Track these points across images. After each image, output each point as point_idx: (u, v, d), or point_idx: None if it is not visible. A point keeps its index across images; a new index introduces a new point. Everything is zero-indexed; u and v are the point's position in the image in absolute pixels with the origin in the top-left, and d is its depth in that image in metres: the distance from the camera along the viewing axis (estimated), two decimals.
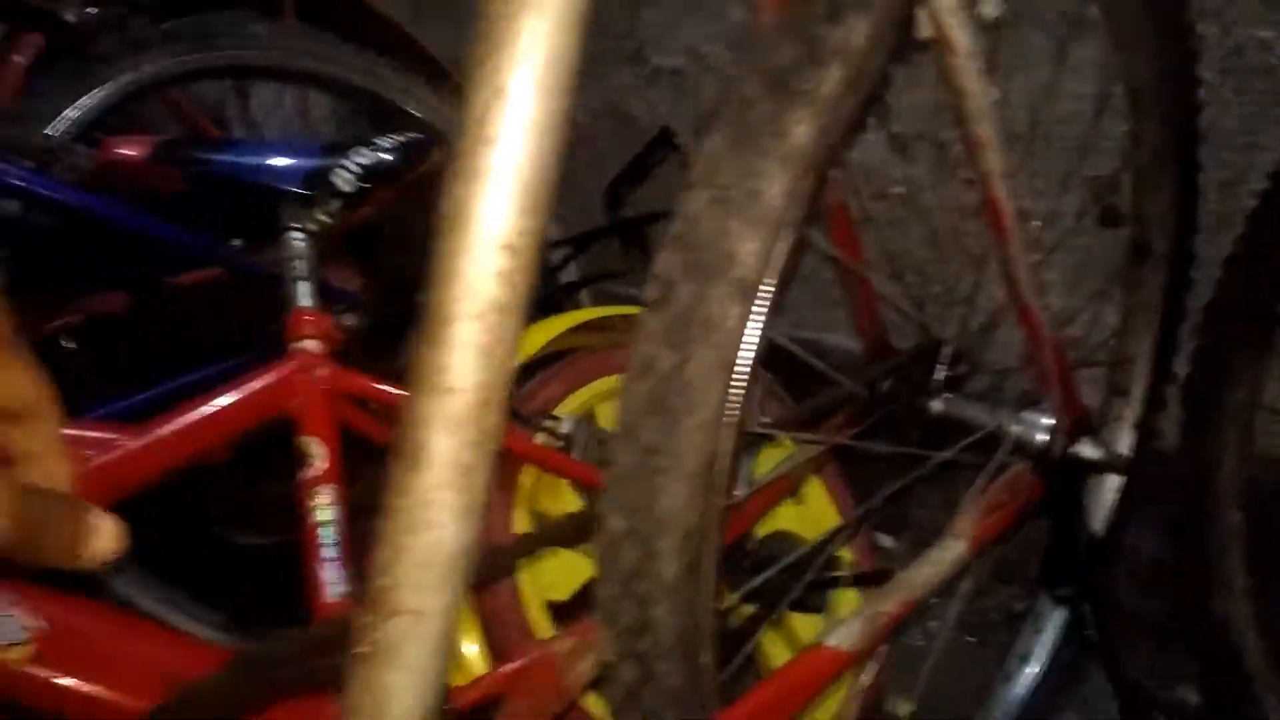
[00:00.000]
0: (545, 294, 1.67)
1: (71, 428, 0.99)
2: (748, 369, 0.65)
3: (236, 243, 1.59)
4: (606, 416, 1.34)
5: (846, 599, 1.28)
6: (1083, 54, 1.29)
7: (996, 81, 0.75)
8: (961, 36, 0.67)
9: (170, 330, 1.58)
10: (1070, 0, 1.08)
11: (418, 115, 1.70)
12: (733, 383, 0.64)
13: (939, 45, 0.68)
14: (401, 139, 1.23)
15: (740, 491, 1.07)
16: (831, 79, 0.65)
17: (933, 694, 1.42)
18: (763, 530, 1.28)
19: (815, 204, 0.67)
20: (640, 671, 0.69)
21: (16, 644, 0.86)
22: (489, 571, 0.98)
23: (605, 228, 1.61)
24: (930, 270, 1.44)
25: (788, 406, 1.40)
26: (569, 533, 0.92)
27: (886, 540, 1.64)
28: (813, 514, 1.35)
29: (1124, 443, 1.23)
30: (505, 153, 0.47)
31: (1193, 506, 1.19)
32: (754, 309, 0.64)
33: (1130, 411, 1.25)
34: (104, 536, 0.44)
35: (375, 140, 1.21)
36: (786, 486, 0.98)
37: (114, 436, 0.99)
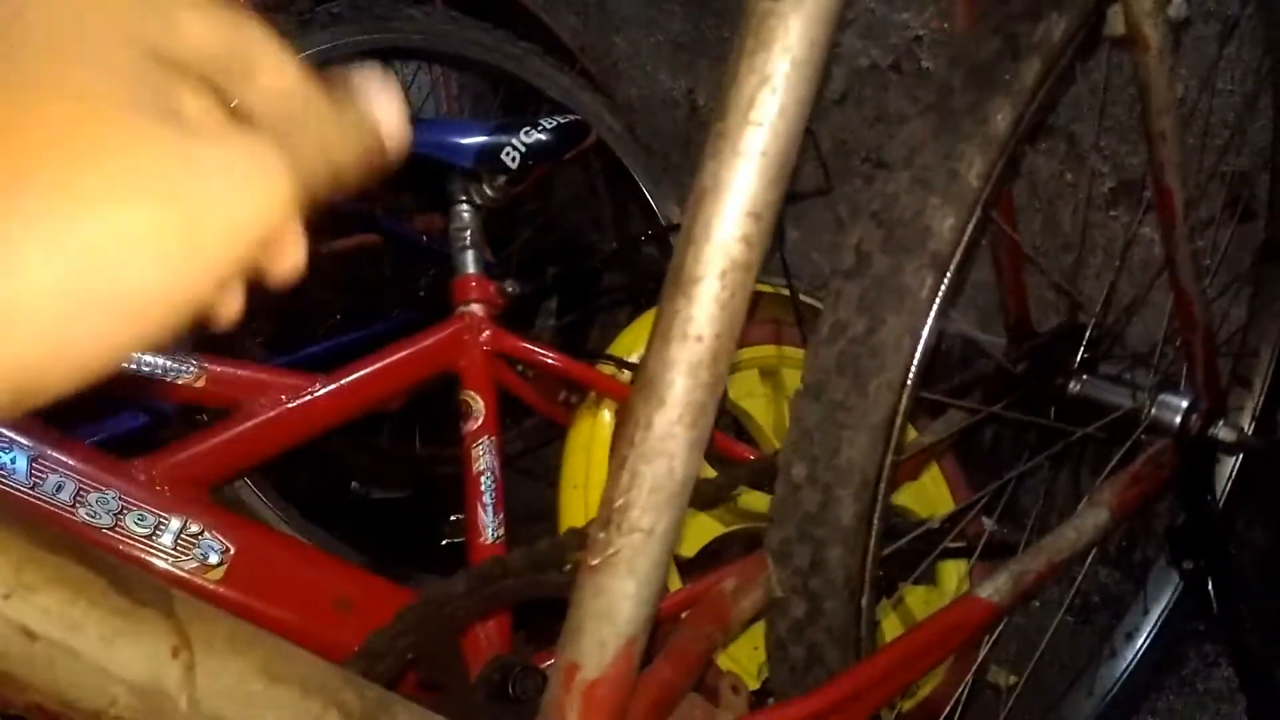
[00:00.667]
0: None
1: (268, 374, 1.10)
2: (931, 335, 0.71)
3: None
4: (737, 389, 1.41)
5: (949, 573, 1.35)
6: (1234, 52, 1.31)
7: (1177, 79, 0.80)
8: (1155, 35, 0.72)
9: (325, 292, 1.69)
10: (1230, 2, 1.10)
11: (553, 97, 1.78)
12: (918, 348, 0.70)
13: (1132, 43, 0.73)
14: (561, 121, 1.31)
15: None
16: (1030, 71, 0.71)
17: (1035, 669, 1.47)
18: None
19: (1002, 186, 0.72)
20: (809, 608, 0.75)
21: (213, 565, 0.97)
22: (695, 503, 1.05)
23: None
24: (1047, 262, 1.48)
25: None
26: (727, 487, 0.99)
27: (988, 523, 1.69)
28: (929, 495, 1.41)
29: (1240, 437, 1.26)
30: (766, 135, 0.54)
31: None
32: (945, 280, 0.70)
33: (1251, 401, 1.28)
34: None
35: (539, 121, 1.29)
36: (925, 459, 1.04)
37: (307, 383, 1.10)
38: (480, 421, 1.18)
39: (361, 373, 1.13)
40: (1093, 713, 1.34)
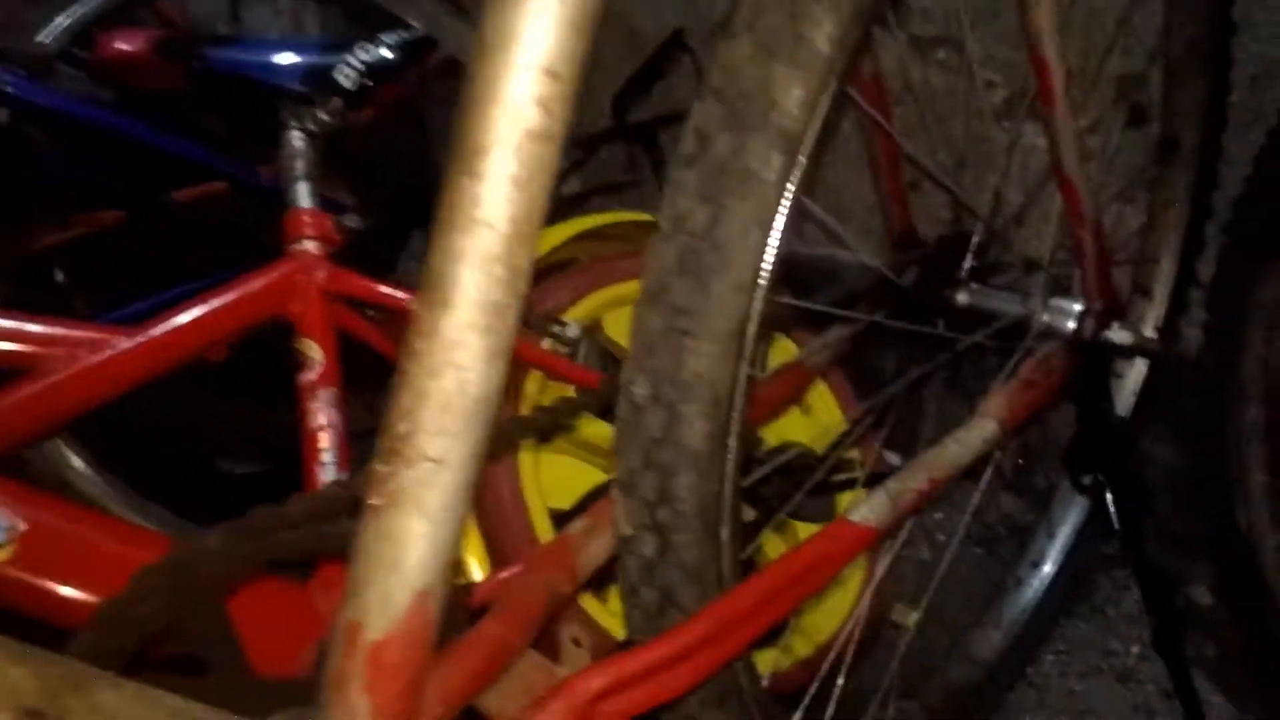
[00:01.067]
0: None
1: (66, 328, 0.96)
2: (784, 227, 0.61)
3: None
4: (614, 325, 1.31)
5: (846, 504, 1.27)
6: None
7: None
8: None
9: (168, 246, 1.54)
10: None
11: (414, 24, 1.64)
12: (768, 241, 0.61)
13: None
14: (405, 36, 1.19)
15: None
16: None
17: (938, 604, 1.41)
18: (770, 440, 1.25)
19: (858, 58, 0.63)
20: (659, 544, 0.66)
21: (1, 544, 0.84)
22: (499, 444, 0.95)
23: (614, 129, 1.57)
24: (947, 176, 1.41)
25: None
26: (566, 414, 0.88)
27: (894, 458, 1.63)
28: (821, 424, 1.33)
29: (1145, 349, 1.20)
30: None
31: (1213, 409, 1.17)
32: (796, 162, 0.60)
33: (1153, 312, 1.22)
34: None
35: (378, 36, 1.16)
36: (806, 379, 0.95)
37: (106, 336, 0.96)
38: (318, 372, 1.06)
39: (174, 322, 1.00)
40: (1001, 645, 1.29)
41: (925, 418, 1.30)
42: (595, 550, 0.72)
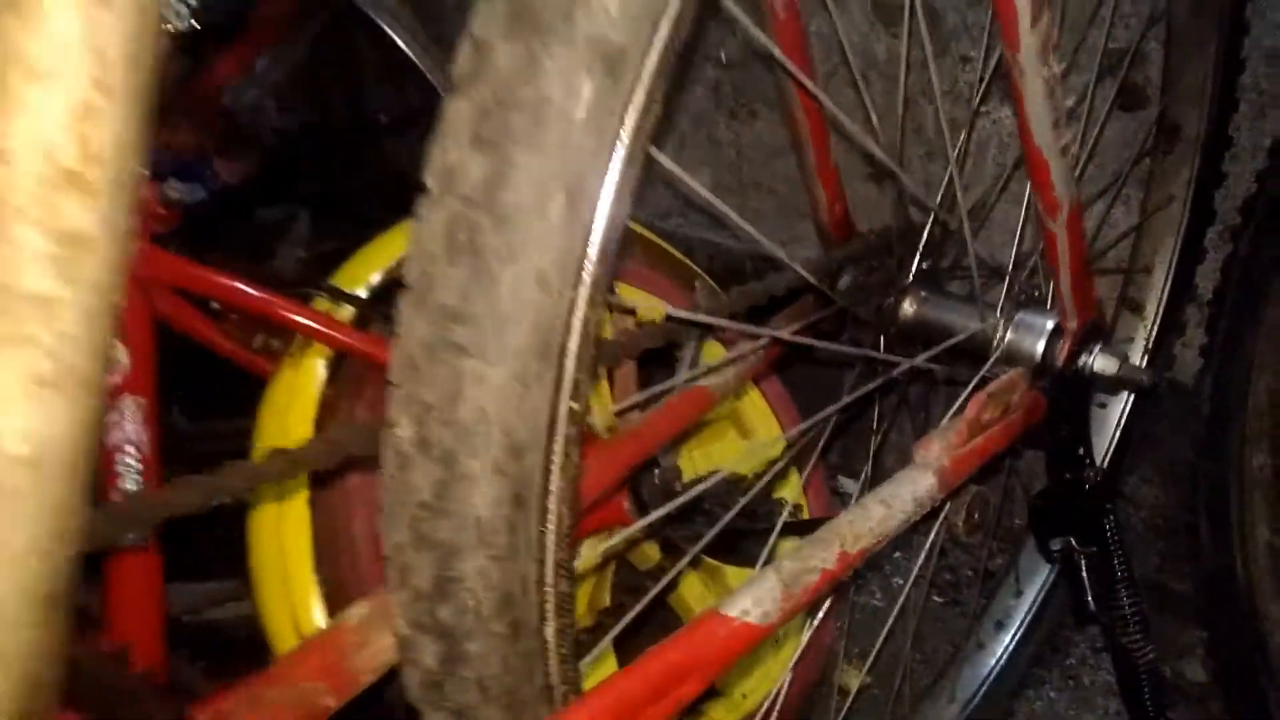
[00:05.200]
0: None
1: None
2: (616, 193, 0.41)
3: None
4: None
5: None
6: None
7: None
8: None
9: None
10: None
11: None
12: (585, 212, 0.41)
13: None
14: None
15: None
16: None
17: (893, 662, 1.21)
18: (699, 468, 1.06)
19: None
20: (442, 652, 0.46)
21: None
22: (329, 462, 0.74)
23: None
24: (911, 160, 1.21)
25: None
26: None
27: (850, 485, 1.43)
28: (762, 451, 1.13)
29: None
30: None
31: (1212, 447, 0.98)
32: (626, 95, 0.40)
33: (1142, 331, 1.03)
34: None
35: None
36: (711, 400, 0.75)
37: None
38: (122, 375, 0.85)
39: None
40: None
41: (881, 439, 1.11)
42: (377, 649, 0.52)
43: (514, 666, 0.48)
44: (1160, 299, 1.03)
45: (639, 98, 0.41)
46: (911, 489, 0.56)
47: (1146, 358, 1.03)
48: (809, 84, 0.60)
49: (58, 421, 0.28)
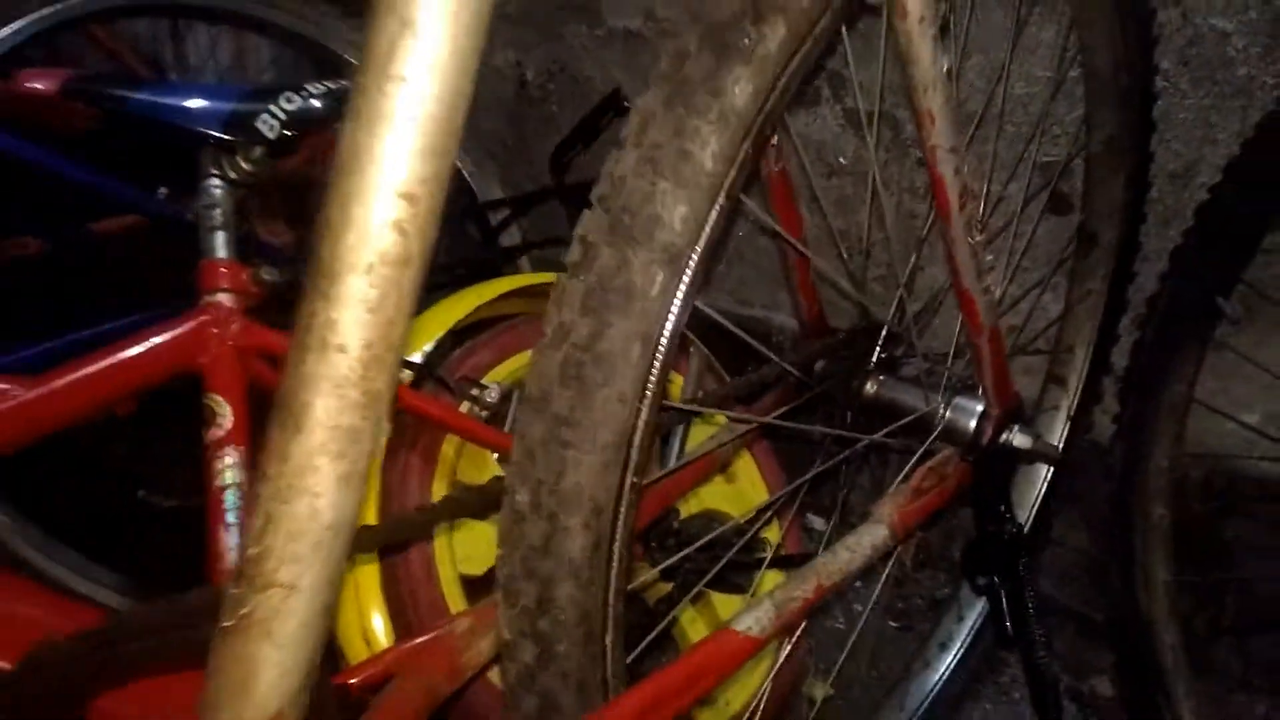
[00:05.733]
0: (484, 257, 1.62)
1: None
2: (670, 342, 0.61)
3: (162, 191, 1.52)
4: None
5: (771, 581, 1.26)
6: (1041, 36, 1.26)
7: (949, 53, 0.73)
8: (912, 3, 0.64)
9: (88, 277, 1.51)
10: None
11: (349, 59, 1.63)
12: (655, 356, 0.60)
13: (889, 5, 0.65)
14: (332, 85, 1.17)
15: (671, 464, 1.04)
16: (774, 37, 0.61)
17: (853, 678, 1.41)
18: (691, 508, 1.25)
19: (751, 169, 0.63)
20: (539, 651, 0.65)
21: None
22: (398, 537, 0.95)
23: (546, 190, 1.57)
24: (875, 252, 1.42)
25: (724, 383, 1.37)
26: (482, 502, 0.88)
27: (818, 523, 1.63)
28: (744, 494, 1.33)
29: (1058, 432, 1.22)
30: (411, 93, 0.43)
31: (1121, 500, 1.19)
32: (681, 278, 0.60)
33: (1066, 401, 1.24)
34: None
35: (305, 86, 1.15)
36: (714, 464, 0.95)
37: (7, 386, 0.94)
38: (225, 429, 1.04)
39: (78, 374, 0.98)
40: None
41: (850, 487, 1.31)
42: (479, 650, 0.71)
43: (586, 664, 0.67)
44: (1081, 374, 1.24)
45: (690, 275, 0.61)
46: (870, 539, 0.76)
47: (1069, 424, 1.23)
48: (797, 244, 0.80)
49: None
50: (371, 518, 1.04)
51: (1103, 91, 1.11)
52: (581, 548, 0.63)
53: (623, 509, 0.64)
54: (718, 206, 0.60)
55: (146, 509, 1.59)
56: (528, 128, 1.90)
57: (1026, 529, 1.07)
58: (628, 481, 0.64)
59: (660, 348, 0.61)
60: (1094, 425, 1.28)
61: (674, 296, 0.60)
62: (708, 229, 0.61)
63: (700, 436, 1.17)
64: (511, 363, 1.27)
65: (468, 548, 1.12)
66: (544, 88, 1.87)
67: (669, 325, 0.60)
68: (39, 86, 1.07)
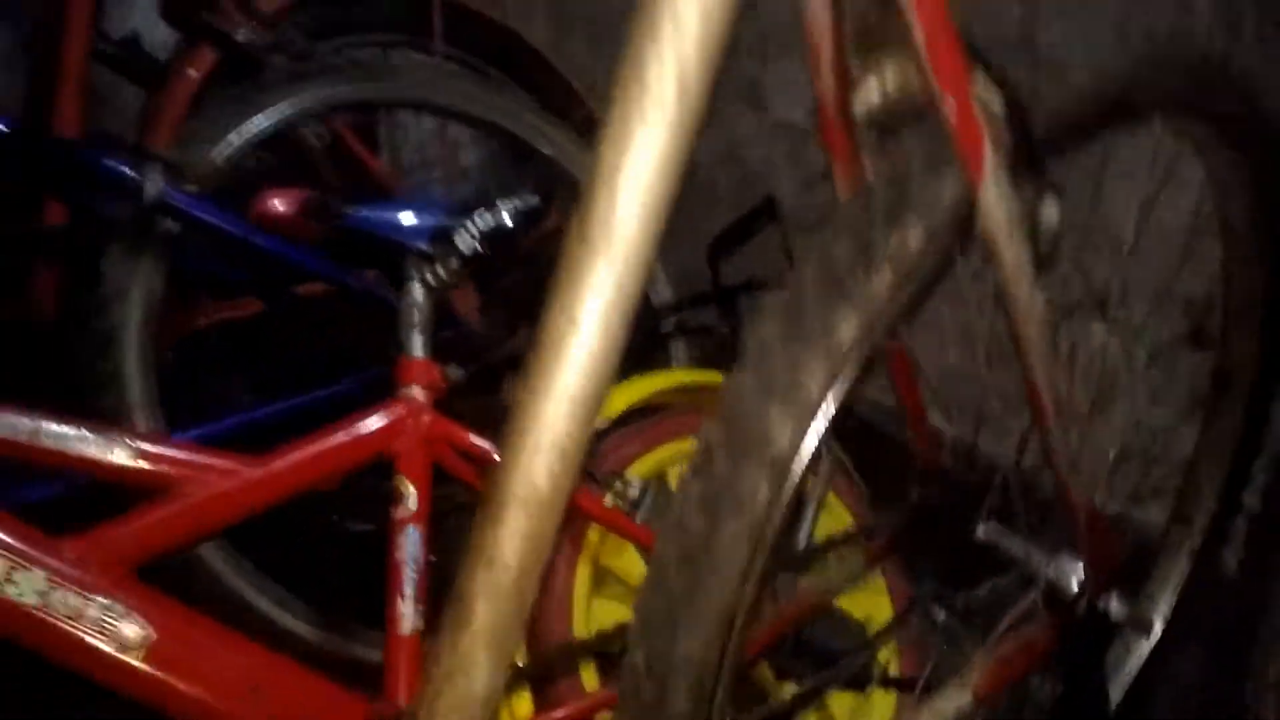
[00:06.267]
0: (642, 341, 1.76)
1: (196, 454, 1.14)
2: (774, 538, 0.72)
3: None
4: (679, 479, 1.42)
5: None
6: (1190, 173, 1.28)
7: (1064, 258, 0.80)
8: (1010, 252, 0.72)
9: (292, 336, 1.74)
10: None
11: (547, 154, 1.79)
12: (757, 555, 0.72)
13: (990, 254, 0.73)
14: (521, 205, 1.33)
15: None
16: (882, 283, 0.71)
17: None
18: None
19: (857, 387, 0.73)
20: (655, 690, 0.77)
21: (134, 646, 1.01)
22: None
23: (703, 295, 1.69)
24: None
25: (855, 484, 1.46)
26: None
27: (939, 614, 1.67)
28: (867, 597, 1.41)
29: (1178, 573, 1.24)
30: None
31: (1242, 653, 1.20)
32: (783, 487, 0.71)
33: (1190, 541, 1.26)
34: None
35: (496, 203, 1.31)
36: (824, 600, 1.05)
37: (235, 466, 1.13)
38: (411, 510, 1.21)
39: (294, 457, 1.16)
40: None
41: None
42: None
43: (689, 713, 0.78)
44: (1207, 514, 1.26)
45: (791, 485, 0.72)
46: (953, 704, 0.85)
47: (1192, 563, 1.25)
48: (917, 411, 0.90)
49: None
50: None
51: (1239, 246, 1.14)
52: (686, 710, 0.74)
53: (724, 676, 0.75)
54: (821, 430, 0.71)
55: (340, 532, 1.80)
56: (692, 207, 2.02)
57: (1119, 703, 1.09)
58: (728, 654, 0.74)
59: (764, 546, 0.72)
60: (1221, 566, 1.30)
61: (779, 505, 0.71)
62: (810, 445, 0.71)
63: (828, 524, 1.26)
64: (654, 455, 1.40)
65: (607, 625, 1.26)
66: (710, 172, 1.99)
67: (771, 530, 0.72)
68: (281, 209, 1.27)
